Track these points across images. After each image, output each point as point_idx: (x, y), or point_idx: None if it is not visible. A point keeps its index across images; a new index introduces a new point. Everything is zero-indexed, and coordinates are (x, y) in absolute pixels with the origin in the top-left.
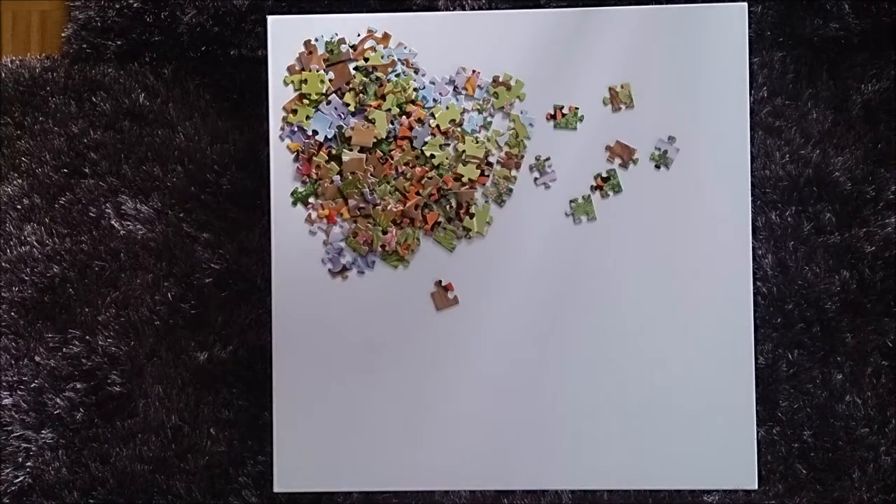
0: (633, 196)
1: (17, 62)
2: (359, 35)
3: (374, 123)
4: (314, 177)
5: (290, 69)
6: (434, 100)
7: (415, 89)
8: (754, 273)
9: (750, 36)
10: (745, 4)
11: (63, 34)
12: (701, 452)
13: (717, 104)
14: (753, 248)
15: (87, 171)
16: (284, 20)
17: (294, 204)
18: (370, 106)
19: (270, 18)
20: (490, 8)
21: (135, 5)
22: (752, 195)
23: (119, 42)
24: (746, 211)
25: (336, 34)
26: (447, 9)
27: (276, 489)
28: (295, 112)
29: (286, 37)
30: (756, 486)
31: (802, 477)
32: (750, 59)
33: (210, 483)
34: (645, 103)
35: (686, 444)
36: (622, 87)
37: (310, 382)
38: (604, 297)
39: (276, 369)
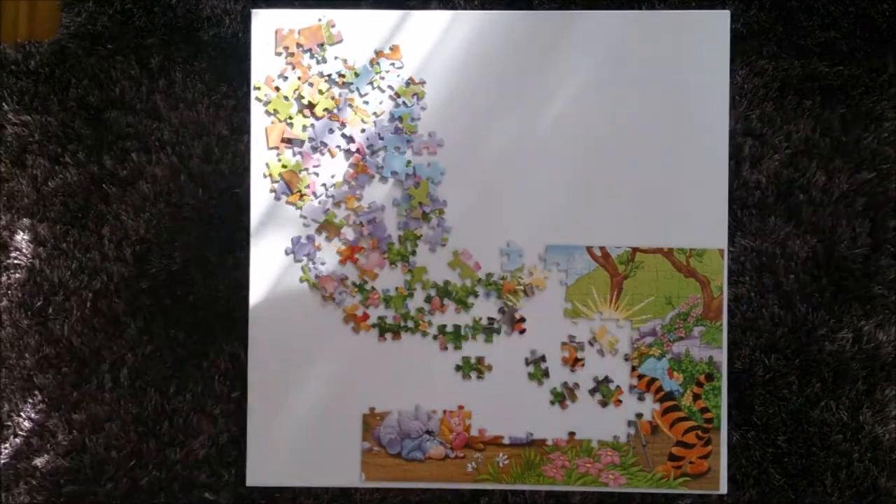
0: (614, 185)
1: (3, 48)
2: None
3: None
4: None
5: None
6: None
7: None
8: (732, 277)
9: (738, 41)
10: (729, 12)
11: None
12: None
13: (697, 110)
14: (731, 251)
15: (68, 160)
16: (269, 13)
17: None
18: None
19: (254, 11)
20: (482, 8)
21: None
22: (733, 200)
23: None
24: (724, 213)
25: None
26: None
27: (248, 483)
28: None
29: (271, 31)
30: (725, 492)
31: (775, 482)
32: (735, 65)
33: (184, 474)
34: (625, 107)
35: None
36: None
37: (284, 376)
38: None
39: (251, 362)
